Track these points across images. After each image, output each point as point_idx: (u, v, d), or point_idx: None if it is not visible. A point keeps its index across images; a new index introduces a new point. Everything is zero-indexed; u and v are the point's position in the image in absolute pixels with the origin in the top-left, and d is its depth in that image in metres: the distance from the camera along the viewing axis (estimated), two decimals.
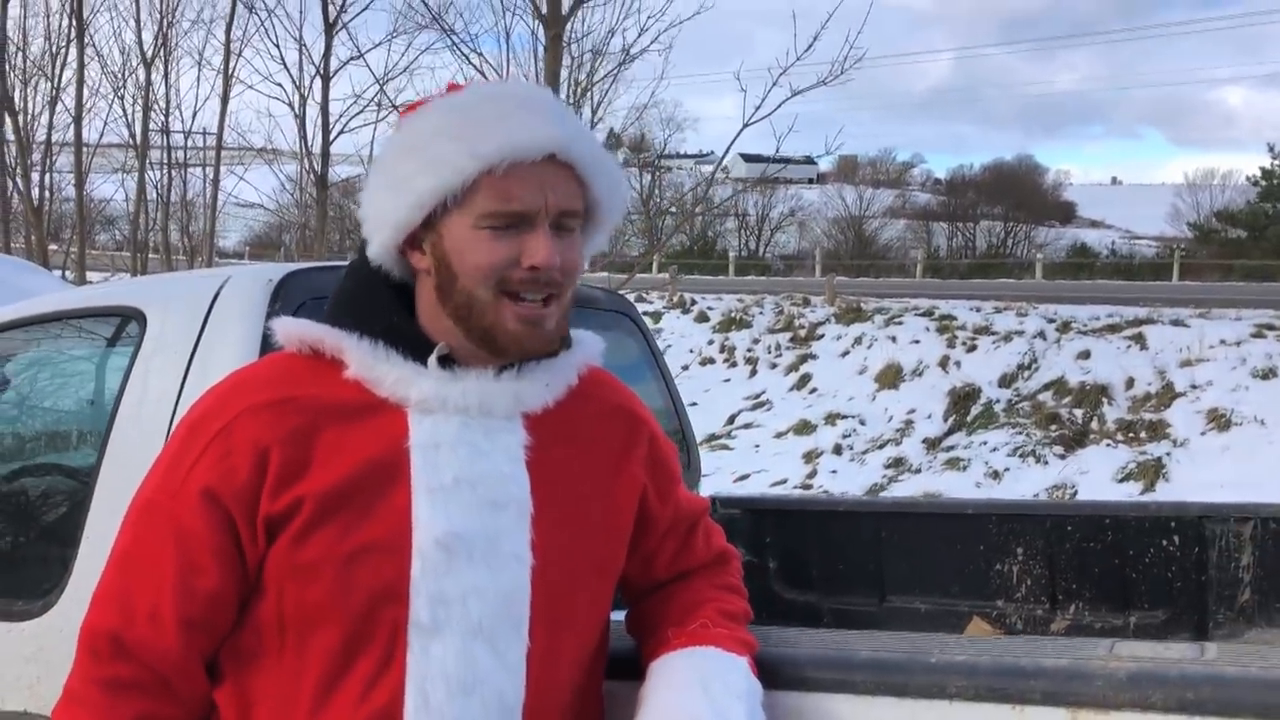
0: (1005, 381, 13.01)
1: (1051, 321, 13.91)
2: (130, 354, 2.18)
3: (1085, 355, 12.66)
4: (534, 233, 1.28)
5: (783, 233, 49.09)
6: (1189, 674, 1.23)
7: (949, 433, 12.51)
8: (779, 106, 7.79)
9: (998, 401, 12.68)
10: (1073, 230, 53.54)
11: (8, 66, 13.52)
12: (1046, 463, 10.98)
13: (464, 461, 1.29)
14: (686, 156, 53.06)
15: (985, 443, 11.70)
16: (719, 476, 11.58)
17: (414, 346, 1.32)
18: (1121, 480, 9.99)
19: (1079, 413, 11.61)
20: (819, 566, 3.03)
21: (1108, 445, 10.83)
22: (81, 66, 13.87)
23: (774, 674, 1.40)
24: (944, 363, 13.70)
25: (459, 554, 1.26)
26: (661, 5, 8.92)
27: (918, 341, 14.35)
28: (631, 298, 19.40)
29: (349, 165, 14.60)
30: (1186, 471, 9.80)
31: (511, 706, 1.28)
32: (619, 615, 1.56)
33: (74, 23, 13.69)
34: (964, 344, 13.96)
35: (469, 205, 1.28)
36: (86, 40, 13.86)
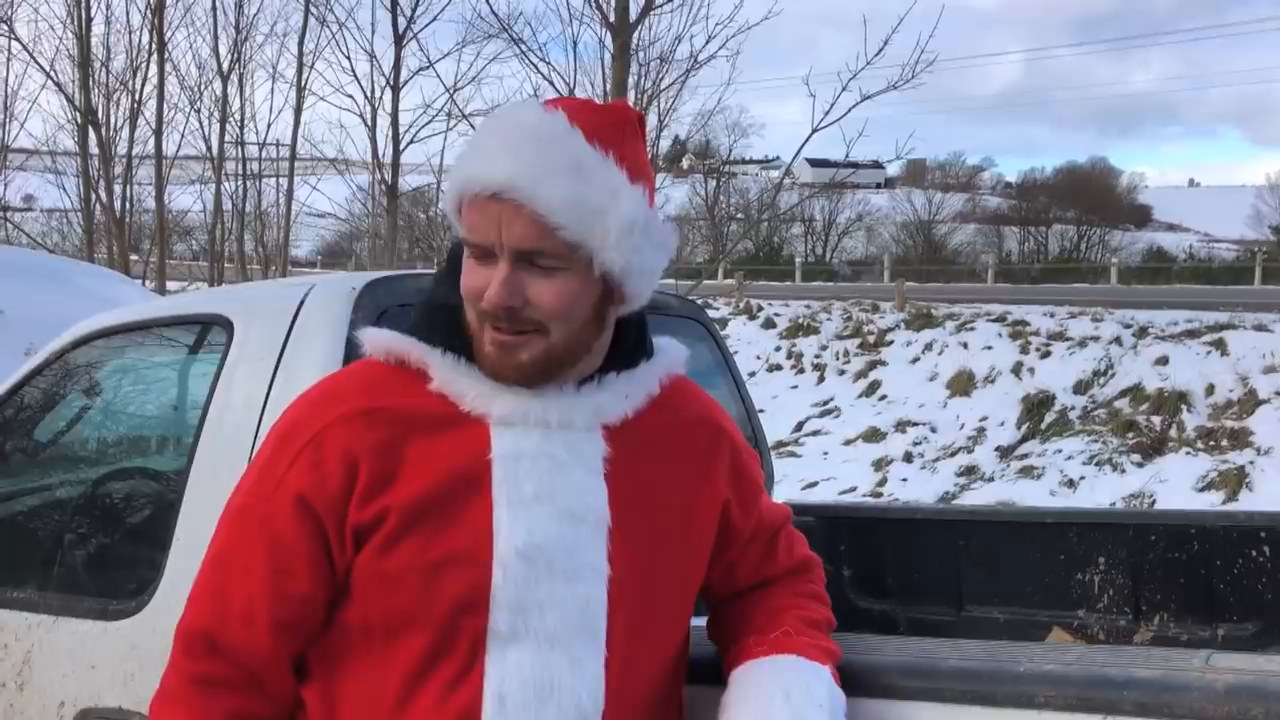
0: (1080, 388, 12.77)
1: (1128, 327, 13.62)
2: (218, 361, 2.24)
3: (1163, 361, 12.36)
4: (497, 268, 1.28)
5: (850, 238, 48.72)
6: None
7: (1022, 440, 12.31)
8: (848, 111, 7.75)
9: (1073, 409, 12.44)
10: (1149, 234, 52.43)
11: (92, 81, 13.92)
12: (1124, 471, 10.75)
13: (544, 474, 1.31)
14: (752, 162, 52.91)
15: (1060, 451, 11.49)
16: (787, 484, 11.50)
17: None
18: (1202, 489, 9.73)
19: (1157, 420, 11.34)
20: (895, 575, 3.00)
21: (1188, 453, 10.57)
22: (161, 81, 14.22)
23: (860, 681, 1.39)
24: (1017, 369, 13.48)
25: (538, 565, 1.29)
26: (729, 11, 8.92)
27: (990, 347, 14.14)
28: (699, 303, 19.36)
29: (419, 175, 14.80)
30: (1271, 481, 9.52)
31: (588, 714, 1.29)
32: (699, 621, 1.56)
33: (154, 38, 14.06)
34: (1038, 350, 13.73)
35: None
36: (166, 55, 14.23)
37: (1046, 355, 13.55)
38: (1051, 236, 45.77)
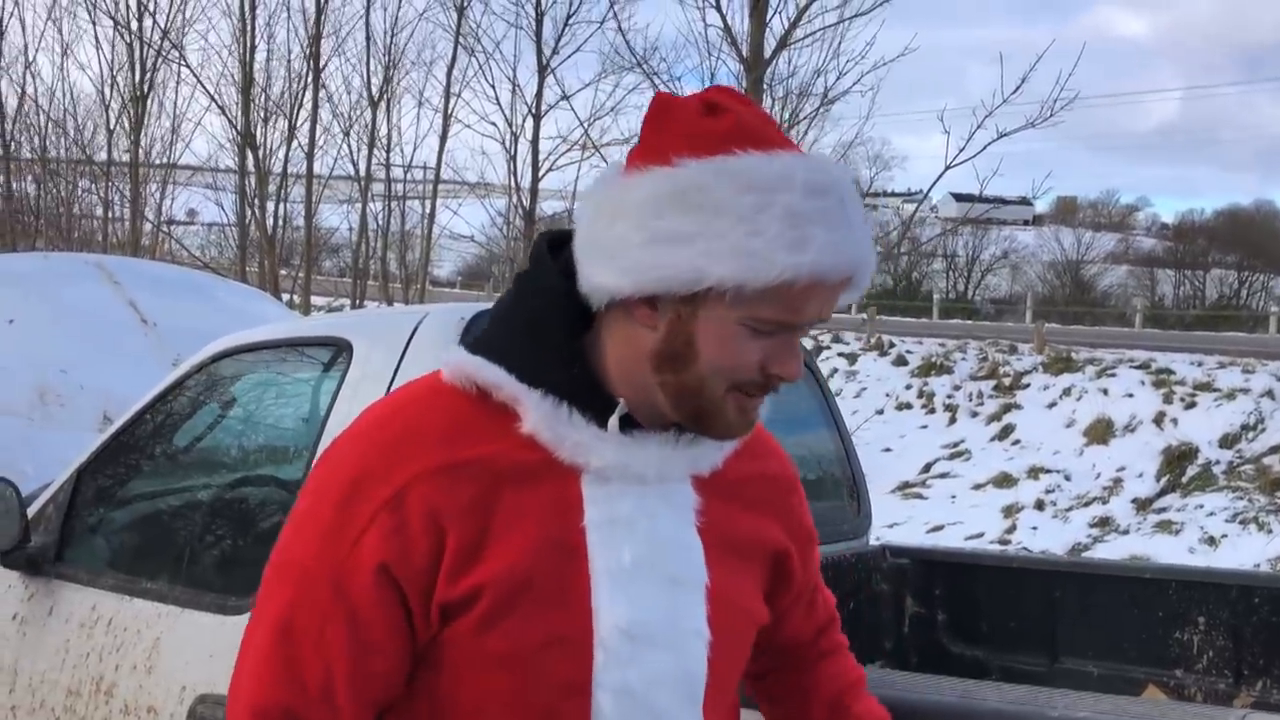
0: (1227, 442, 12.23)
1: None
2: (338, 379, 2.41)
3: None
4: (789, 341, 1.19)
5: (994, 275, 47.62)
6: None
7: (1161, 494, 11.85)
8: (984, 148, 7.66)
9: (1217, 463, 11.93)
10: None
11: (252, 105, 14.73)
12: (1271, 531, 10.24)
13: (642, 538, 1.21)
14: (894, 195, 52.24)
15: (1201, 506, 11.02)
16: (911, 526, 11.32)
17: (596, 405, 1.20)
18: None
19: None
20: (989, 622, 2.98)
21: None
22: (316, 106, 14.96)
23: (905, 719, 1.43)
24: (1159, 419, 12.99)
25: (642, 641, 1.19)
26: (863, 48, 8.93)
27: (1131, 395, 13.66)
28: (826, 338, 18.93)
29: (556, 201, 15.15)
30: None
31: None
32: None
33: (311, 66, 14.82)
34: (1182, 400, 13.20)
35: (747, 301, 1.14)
36: (321, 82, 14.97)
37: (1191, 406, 13.02)
38: (1210, 281, 43.86)
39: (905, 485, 13.17)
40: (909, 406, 15.96)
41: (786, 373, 1.18)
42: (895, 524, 10.93)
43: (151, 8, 15.50)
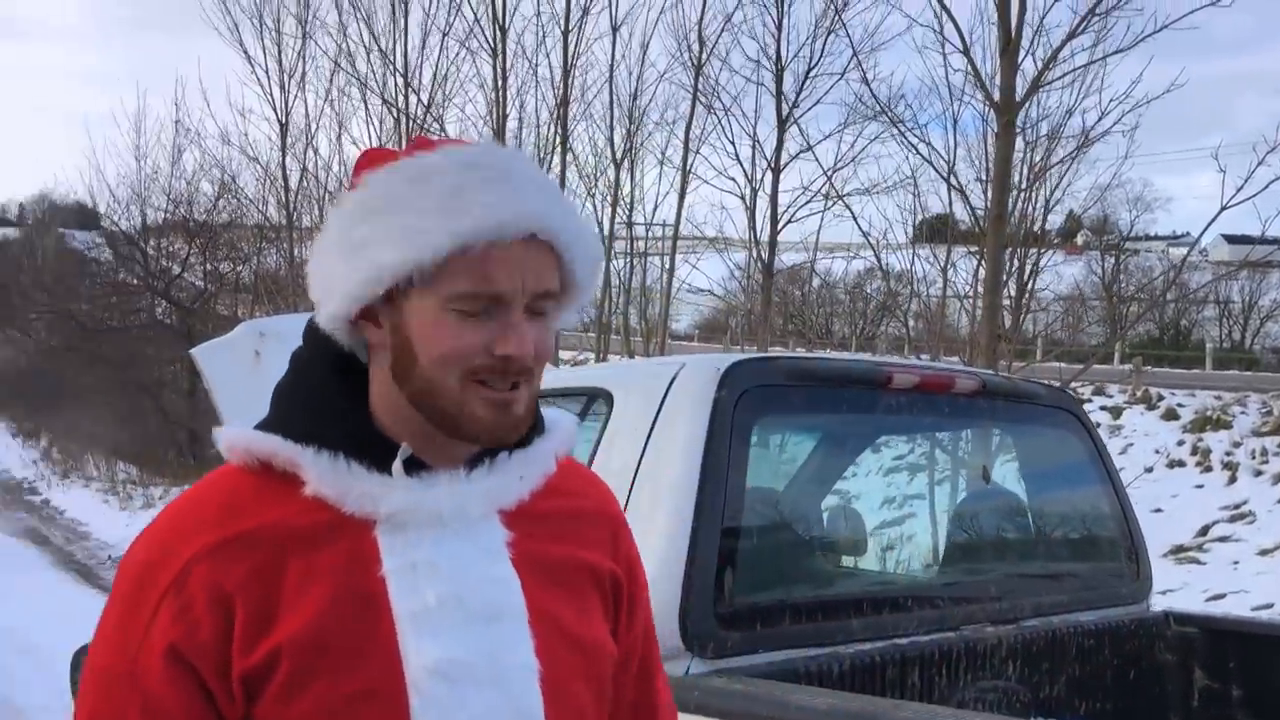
0: None
1: None
2: (599, 429, 2.48)
3: None
4: (508, 319, 1.15)
5: (1274, 322, 43.92)
6: None
7: None
8: (1266, 187, 7.10)
9: None
10: None
11: None
12: None
13: (445, 577, 1.16)
14: (1157, 239, 49.15)
15: None
16: (1187, 593, 10.49)
17: (377, 452, 1.18)
18: None
19: None
20: None
21: None
22: (564, 170, 15.61)
23: None
24: None
25: (461, 681, 1.14)
26: (1126, 86, 8.51)
27: None
28: (1087, 391, 18.02)
29: (794, 253, 15.15)
30: None
31: None
32: None
33: (559, 131, 15.50)
34: None
35: (438, 284, 1.14)
36: (568, 147, 15.63)
37: None
38: None
39: (1179, 549, 12.22)
40: (1181, 464, 14.87)
41: (507, 349, 1.14)
42: (1169, 590, 10.13)
43: (415, 85, 16.68)
